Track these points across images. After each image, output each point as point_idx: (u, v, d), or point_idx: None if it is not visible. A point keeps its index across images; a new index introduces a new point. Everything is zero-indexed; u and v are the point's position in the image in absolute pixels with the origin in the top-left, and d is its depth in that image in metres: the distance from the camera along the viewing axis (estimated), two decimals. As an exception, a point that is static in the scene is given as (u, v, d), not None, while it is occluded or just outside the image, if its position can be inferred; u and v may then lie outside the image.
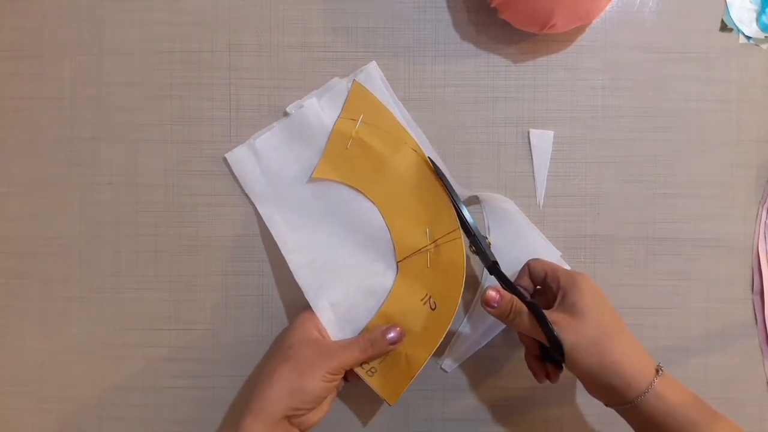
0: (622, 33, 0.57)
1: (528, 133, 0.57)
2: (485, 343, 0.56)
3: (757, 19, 0.57)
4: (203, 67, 0.56)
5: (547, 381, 0.51)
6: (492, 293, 0.48)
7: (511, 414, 0.57)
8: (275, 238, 0.55)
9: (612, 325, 0.47)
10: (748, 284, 0.58)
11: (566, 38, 0.57)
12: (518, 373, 0.57)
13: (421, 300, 0.53)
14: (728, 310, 0.57)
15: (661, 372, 0.46)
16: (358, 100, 0.55)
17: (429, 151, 0.56)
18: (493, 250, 0.53)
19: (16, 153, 0.56)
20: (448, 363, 0.57)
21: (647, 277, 0.57)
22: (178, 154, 0.56)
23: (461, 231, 0.52)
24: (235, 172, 0.56)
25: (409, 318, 0.53)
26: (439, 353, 0.56)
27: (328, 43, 0.57)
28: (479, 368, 0.57)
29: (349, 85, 0.56)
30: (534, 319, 0.47)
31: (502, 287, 0.49)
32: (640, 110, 0.57)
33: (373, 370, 0.52)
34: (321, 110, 0.55)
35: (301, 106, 0.55)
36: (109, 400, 0.56)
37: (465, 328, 0.56)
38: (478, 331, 0.56)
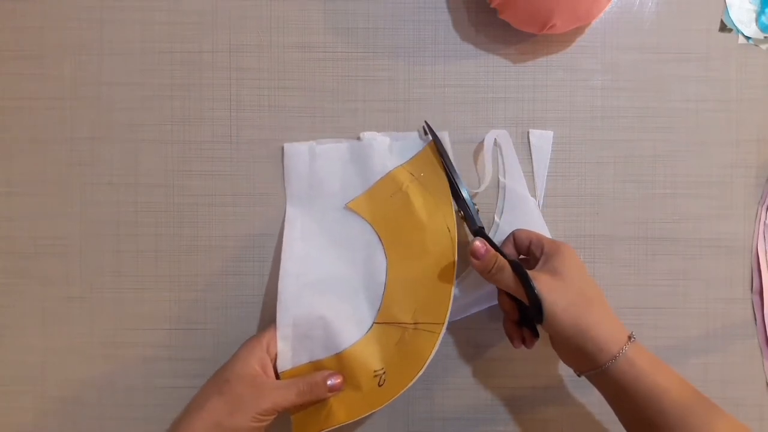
0: (621, 33, 0.57)
1: (528, 133, 0.57)
2: (472, 312, 0.56)
3: (757, 20, 0.58)
4: (203, 68, 0.57)
5: (523, 347, 0.52)
6: (478, 243, 0.48)
7: (510, 414, 0.57)
8: (284, 240, 0.54)
9: (590, 293, 0.48)
10: (747, 284, 0.58)
11: (566, 39, 0.57)
12: (518, 373, 0.57)
13: (375, 372, 0.52)
14: (728, 309, 0.58)
15: (633, 339, 0.47)
16: (425, 160, 0.55)
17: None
18: (498, 231, 0.54)
19: (16, 153, 0.56)
20: None
21: (647, 277, 0.57)
22: (178, 154, 0.56)
23: (443, 330, 0.51)
24: (285, 163, 0.56)
25: (356, 378, 0.51)
26: None
27: (328, 43, 0.57)
28: (479, 368, 0.57)
29: (425, 143, 0.56)
30: (515, 277, 0.47)
31: None
32: (640, 110, 0.58)
33: None
34: (389, 152, 0.56)
35: (375, 139, 0.56)
36: (109, 400, 0.56)
37: (455, 291, 0.55)
38: (468, 297, 0.55)
